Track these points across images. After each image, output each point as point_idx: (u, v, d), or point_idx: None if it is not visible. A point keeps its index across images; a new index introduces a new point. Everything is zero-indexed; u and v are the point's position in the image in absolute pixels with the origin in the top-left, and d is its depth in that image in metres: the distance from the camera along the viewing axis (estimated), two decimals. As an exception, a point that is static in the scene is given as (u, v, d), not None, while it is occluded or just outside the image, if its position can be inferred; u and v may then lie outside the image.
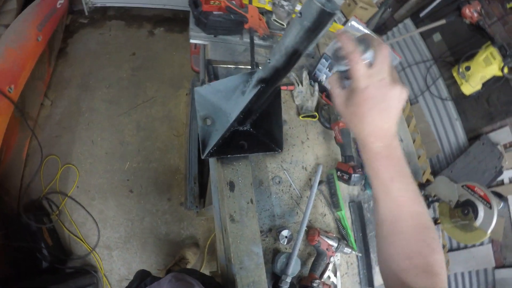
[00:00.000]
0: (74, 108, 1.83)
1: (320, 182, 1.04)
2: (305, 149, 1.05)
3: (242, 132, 0.81)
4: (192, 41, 1.05)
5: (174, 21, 2.23)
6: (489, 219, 0.91)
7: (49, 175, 1.64)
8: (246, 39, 1.07)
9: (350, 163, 1.04)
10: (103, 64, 1.98)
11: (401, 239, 0.43)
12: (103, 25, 2.10)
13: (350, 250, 0.97)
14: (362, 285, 1.05)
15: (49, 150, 1.69)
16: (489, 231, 0.91)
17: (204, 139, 0.73)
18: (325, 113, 1.11)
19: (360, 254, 1.05)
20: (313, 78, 1.13)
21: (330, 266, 0.95)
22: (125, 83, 1.98)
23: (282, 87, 1.05)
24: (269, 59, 0.53)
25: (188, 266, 1.66)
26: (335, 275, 0.99)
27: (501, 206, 0.91)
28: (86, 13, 2.05)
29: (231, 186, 0.75)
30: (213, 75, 0.94)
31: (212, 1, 0.98)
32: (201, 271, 1.80)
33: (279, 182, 0.95)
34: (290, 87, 1.07)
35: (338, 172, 1.04)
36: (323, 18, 0.40)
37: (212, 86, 0.74)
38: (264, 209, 0.89)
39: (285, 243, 0.90)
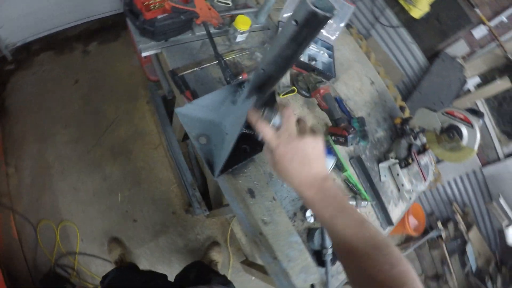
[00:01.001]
0: (40, 163, 1.65)
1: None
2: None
3: (240, 136, 0.78)
4: (144, 54, 0.95)
5: (105, 31, 2.00)
6: (473, 137, 1.00)
7: (49, 241, 1.53)
8: (199, 32, 1.00)
9: (341, 125, 1.07)
10: (50, 105, 1.77)
11: (357, 265, 0.45)
12: (32, 63, 1.83)
13: (366, 202, 1.04)
14: (384, 227, 1.15)
15: (36, 217, 1.55)
16: (476, 147, 1.00)
17: (208, 159, 0.70)
18: (302, 83, 1.10)
19: (374, 202, 1.13)
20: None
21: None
22: (81, 116, 1.80)
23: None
24: (262, 68, 0.50)
25: (218, 266, 1.70)
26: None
27: (480, 122, 1.00)
28: (10, 58, 1.76)
29: (251, 193, 0.75)
30: (183, 84, 0.88)
31: (153, 6, 0.88)
32: (230, 264, 1.87)
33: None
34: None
35: (333, 137, 1.07)
36: (317, 21, 0.38)
37: (195, 103, 0.69)
38: (283, 198, 0.91)
39: (312, 220, 0.94)
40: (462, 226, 2.29)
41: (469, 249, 2.21)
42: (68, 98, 1.80)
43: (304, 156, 0.48)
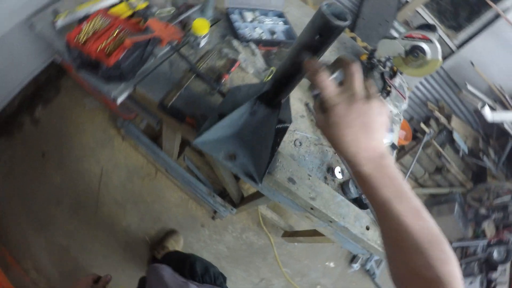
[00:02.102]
0: (56, 251, 1.54)
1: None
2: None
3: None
4: (120, 100, 0.91)
5: (43, 89, 1.80)
6: (435, 50, 1.11)
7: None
8: (160, 53, 0.96)
9: None
10: (30, 191, 1.60)
11: (406, 258, 0.41)
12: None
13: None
14: (390, 152, 1.28)
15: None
16: (439, 57, 1.12)
17: (246, 173, 0.73)
18: (276, 59, 1.12)
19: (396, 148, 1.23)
20: (242, 38, 1.09)
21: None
22: (67, 185, 1.67)
23: (232, 69, 1.01)
24: (275, 77, 0.51)
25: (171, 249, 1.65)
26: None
27: (437, 35, 1.10)
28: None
29: (292, 181, 0.80)
30: (178, 113, 0.86)
31: (107, 48, 0.83)
32: (272, 243, 1.97)
33: (300, 143, 1.02)
34: (236, 64, 1.04)
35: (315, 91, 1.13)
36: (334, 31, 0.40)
37: (213, 129, 0.70)
38: (311, 170, 0.98)
39: (341, 176, 1.02)
40: (442, 119, 2.53)
41: (456, 136, 2.48)
42: (44, 175, 1.66)
43: (367, 122, 0.41)
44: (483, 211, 2.73)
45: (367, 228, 0.98)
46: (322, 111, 0.44)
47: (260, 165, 0.72)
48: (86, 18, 0.84)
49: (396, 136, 1.40)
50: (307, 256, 2.11)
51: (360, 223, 0.95)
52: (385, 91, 1.34)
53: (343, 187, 1.03)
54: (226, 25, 1.15)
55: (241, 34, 1.09)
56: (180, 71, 0.96)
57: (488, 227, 2.73)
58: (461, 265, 2.84)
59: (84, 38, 0.81)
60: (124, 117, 1.57)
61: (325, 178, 1.01)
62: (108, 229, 1.68)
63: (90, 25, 0.83)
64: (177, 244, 1.72)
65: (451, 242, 2.86)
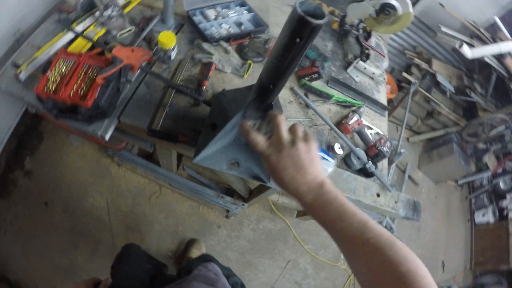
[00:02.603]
0: None
1: (306, 95, 1.12)
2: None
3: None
4: (108, 137, 0.88)
5: (26, 140, 1.75)
6: (404, 4, 1.11)
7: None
8: (133, 77, 0.93)
9: (306, 64, 1.11)
10: (44, 246, 1.57)
11: (363, 267, 0.44)
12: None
13: (362, 108, 1.14)
14: (382, 114, 1.29)
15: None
16: (411, 9, 1.11)
17: (253, 176, 0.73)
18: (251, 52, 1.09)
19: (365, 102, 1.23)
20: (211, 39, 1.06)
21: (370, 130, 1.15)
22: (78, 228, 1.66)
23: (210, 74, 0.99)
24: (261, 79, 0.51)
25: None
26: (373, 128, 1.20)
27: None
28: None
29: None
30: (171, 134, 0.85)
31: (80, 90, 0.80)
32: (289, 225, 2.02)
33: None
34: (213, 67, 1.01)
35: (306, 78, 1.12)
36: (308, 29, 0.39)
37: (211, 144, 0.70)
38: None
39: (343, 151, 1.03)
40: (423, 65, 2.54)
41: (440, 78, 2.50)
42: (53, 224, 1.63)
43: (297, 163, 0.47)
44: (481, 145, 2.80)
45: (378, 195, 1.00)
46: (264, 162, 0.51)
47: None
48: (48, 64, 0.80)
49: (383, 95, 1.41)
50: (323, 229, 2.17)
51: (371, 192, 0.98)
52: (364, 55, 1.33)
53: (345, 161, 1.04)
54: (191, 29, 1.11)
55: (209, 34, 1.06)
56: (158, 90, 0.94)
57: (490, 160, 2.82)
58: (470, 199, 2.97)
59: (53, 86, 0.78)
60: (114, 148, 1.53)
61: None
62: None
63: (54, 71, 0.79)
64: (200, 252, 1.75)
65: (456, 181, 2.96)
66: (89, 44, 0.97)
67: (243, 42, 1.11)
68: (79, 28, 0.99)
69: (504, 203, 2.70)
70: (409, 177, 2.72)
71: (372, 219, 0.45)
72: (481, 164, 2.89)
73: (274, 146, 0.49)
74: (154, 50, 0.98)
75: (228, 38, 1.08)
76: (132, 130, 0.93)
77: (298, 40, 0.39)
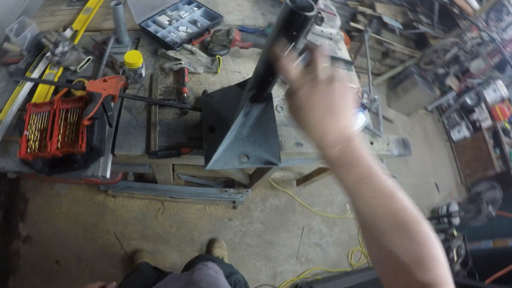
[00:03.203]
0: None
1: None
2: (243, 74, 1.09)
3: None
4: (108, 174, 0.85)
5: (11, 205, 1.62)
6: None
7: None
8: (116, 104, 0.91)
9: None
10: None
11: (382, 243, 0.39)
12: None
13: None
14: (349, 68, 1.35)
15: None
16: None
17: (264, 162, 0.77)
18: (216, 47, 1.08)
19: (331, 64, 1.29)
20: (173, 45, 1.04)
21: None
22: (98, 271, 1.62)
23: (185, 79, 0.99)
24: (257, 71, 0.52)
25: (225, 260, 1.75)
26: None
27: None
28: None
29: (299, 144, 0.86)
30: (172, 150, 0.85)
31: (67, 138, 0.76)
32: (293, 194, 2.11)
33: (281, 107, 1.06)
34: (186, 72, 1.00)
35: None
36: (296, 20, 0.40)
37: (219, 151, 0.72)
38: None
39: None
40: (368, 11, 2.64)
41: (386, 19, 2.61)
42: (73, 278, 1.58)
43: (331, 105, 0.41)
44: (440, 70, 3.01)
45: (371, 143, 1.09)
46: (290, 96, 0.43)
47: (273, 148, 0.76)
48: (22, 123, 0.74)
49: (345, 51, 1.47)
50: (325, 188, 2.30)
51: (365, 143, 1.05)
52: (318, 18, 1.37)
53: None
54: (149, 41, 1.08)
55: (170, 41, 1.04)
56: (142, 111, 0.92)
57: (451, 81, 3.05)
58: (443, 121, 3.23)
59: (36, 144, 0.73)
60: (112, 182, 1.48)
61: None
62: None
63: (31, 129, 0.75)
64: (222, 249, 1.80)
65: (426, 108, 3.19)
66: (52, 88, 0.92)
67: (205, 38, 1.10)
68: (35, 74, 0.93)
69: (474, 116, 2.96)
70: (383, 117, 2.89)
71: (400, 188, 0.40)
72: (444, 87, 3.13)
73: (308, 79, 0.41)
74: (126, 72, 0.95)
75: (190, 39, 1.06)
76: (129, 159, 0.91)
77: (295, 33, 0.41)
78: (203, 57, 1.06)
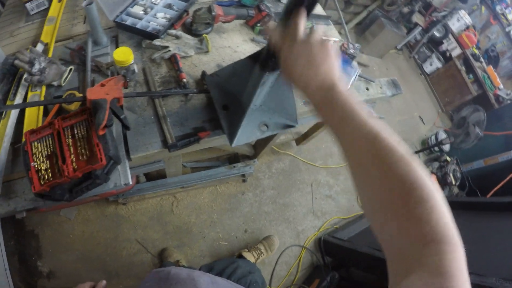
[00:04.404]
0: None
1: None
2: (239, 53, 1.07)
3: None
4: (130, 180, 0.83)
5: (25, 247, 1.55)
6: None
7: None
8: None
9: (252, 13, 1.10)
10: None
11: (369, 184, 0.38)
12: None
13: (314, 26, 1.20)
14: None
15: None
16: None
17: (283, 127, 0.79)
18: (199, 26, 1.04)
19: (311, 22, 1.28)
20: (156, 33, 0.99)
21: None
22: (133, 279, 1.64)
23: (180, 64, 0.96)
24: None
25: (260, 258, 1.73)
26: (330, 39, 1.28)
27: None
28: None
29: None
30: (189, 139, 0.85)
31: (85, 157, 0.74)
32: (294, 153, 2.17)
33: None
34: (178, 58, 0.97)
35: (259, 25, 1.13)
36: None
37: (242, 128, 0.73)
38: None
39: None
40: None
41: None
42: None
43: (310, 58, 0.46)
44: (404, 9, 3.06)
45: (367, 89, 1.14)
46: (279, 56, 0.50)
47: (289, 112, 0.78)
48: (26, 156, 0.70)
49: (319, 7, 1.46)
50: (322, 142, 2.39)
51: (362, 89, 1.11)
52: None
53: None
54: (129, 35, 1.02)
55: (153, 30, 0.99)
56: (145, 107, 0.90)
57: (417, 18, 3.12)
58: (414, 56, 3.34)
59: (49, 172, 0.69)
60: (128, 189, 1.44)
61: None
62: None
63: (37, 159, 0.70)
64: (274, 245, 1.82)
65: (396, 47, 3.27)
66: (41, 111, 0.85)
67: (185, 20, 1.06)
68: (17, 101, 0.86)
69: (444, 47, 3.08)
70: (359, 63, 2.96)
71: (388, 128, 0.39)
72: (410, 25, 3.20)
73: (287, 39, 0.48)
74: (110, 74, 0.90)
75: (171, 24, 1.02)
76: (146, 159, 0.90)
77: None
78: (189, 39, 1.02)
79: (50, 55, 0.96)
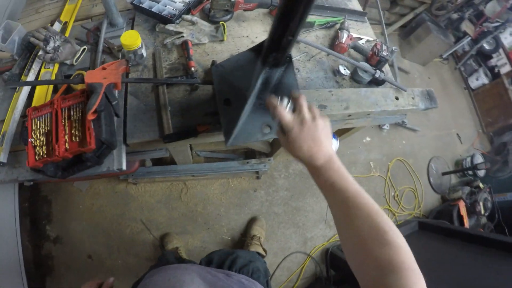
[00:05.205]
0: None
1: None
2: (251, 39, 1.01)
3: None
4: (124, 166, 0.80)
5: (36, 211, 1.67)
6: None
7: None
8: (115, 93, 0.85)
9: (273, 3, 1.02)
10: None
11: (353, 229, 0.47)
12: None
13: (345, 22, 1.09)
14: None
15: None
16: None
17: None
18: (217, 11, 0.99)
19: (344, 16, 1.17)
20: (171, 18, 0.95)
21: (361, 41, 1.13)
22: (133, 263, 1.68)
23: (190, 52, 0.91)
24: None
25: (262, 240, 1.75)
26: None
27: None
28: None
29: (323, 107, 0.81)
30: (186, 132, 0.81)
31: (77, 138, 0.73)
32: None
33: (297, 69, 0.98)
34: (190, 45, 0.93)
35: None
36: None
37: (239, 125, 0.67)
38: (321, 85, 0.97)
39: (348, 70, 1.02)
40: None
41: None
42: (109, 271, 1.63)
43: (316, 137, 0.55)
44: (454, 15, 2.77)
45: (397, 98, 1.01)
46: (283, 133, 0.58)
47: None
48: (25, 131, 0.71)
49: (355, 2, 1.34)
50: (347, 147, 2.25)
51: (390, 98, 0.98)
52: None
53: (354, 79, 1.03)
54: (145, 18, 0.99)
55: (168, 14, 0.96)
56: (149, 94, 0.87)
57: (467, 26, 2.81)
58: (459, 68, 3.03)
59: (43, 149, 0.70)
60: (129, 172, 1.47)
61: (337, 82, 1.00)
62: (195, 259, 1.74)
63: (35, 135, 0.71)
64: (262, 228, 1.80)
65: (441, 56, 2.99)
66: (51, 88, 0.87)
67: (204, 6, 1.01)
68: (30, 77, 0.87)
69: (493, 61, 2.76)
70: (399, 68, 2.73)
71: (365, 193, 0.51)
72: (459, 33, 2.89)
73: (297, 121, 0.56)
74: (126, 55, 0.88)
75: (188, 9, 0.97)
76: (144, 146, 0.88)
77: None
78: (205, 26, 0.97)
79: (67, 34, 0.96)
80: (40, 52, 0.88)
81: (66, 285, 1.59)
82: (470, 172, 2.35)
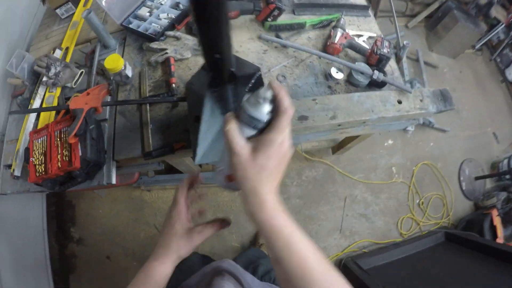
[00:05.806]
0: None
1: (278, 36, 1.03)
2: (240, 53, 1.00)
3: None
4: (114, 181, 0.85)
5: (61, 213, 1.85)
6: None
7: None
8: (104, 116, 0.90)
9: (262, 6, 1.00)
10: None
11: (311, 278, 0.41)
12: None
13: (341, 19, 1.03)
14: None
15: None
16: None
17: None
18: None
19: (341, 13, 1.11)
20: (156, 35, 0.97)
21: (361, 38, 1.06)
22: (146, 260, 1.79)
23: (172, 68, 0.93)
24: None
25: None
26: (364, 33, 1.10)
27: None
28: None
29: (304, 118, 0.80)
30: (164, 150, 0.82)
31: (67, 158, 0.79)
32: (329, 163, 1.99)
33: (283, 76, 0.96)
34: (172, 61, 0.95)
35: (269, 19, 1.03)
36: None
37: (201, 140, 0.66)
38: (310, 92, 0.93)
39: (342, 73, 0.97)
40: None
41: None
42: (124, 270, 1.73)
43: (280, 163, 0.45)
44: (482, 0, 2.49)
45: (399, 102, 0.93)
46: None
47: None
48: (27, 151, 0.81)
49: None
50: (367, 152, 2.11)
51: (390, 102, 0.90)
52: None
53: (350, 82, 0.97)
54: (135, 38, 1.03)
55: (152, 32, 0.98)
56: (134, 113, 0.90)
57: (498, 12, 2.51)
58: (495, 59, 2.71)
59: (42, 167, 0.79)
60: (130, 183, 1.56)
61: (329, 87, 0.95)
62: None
63: (35, 155, 0.81)
64: None
65: (473, 46, 2.70)
66: (53, 112, 0.95)
67: (189, 19, 1.02)
68: (37, 101, 0.97)
69: None
70: (425, 63, 2.52)
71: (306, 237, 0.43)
72: (491, 20, 2.59)
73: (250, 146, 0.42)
74: (112, 77, 0.92)
75: (172, 25, 0.99)
76: (131, 162, 0.91)
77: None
78: (189, 40, 0.98)
79: (68, 58, 1.04)
80: (44, 78, 0.97)
81: (86, 282, 1.73)
82: (507, 176, 2.09)
